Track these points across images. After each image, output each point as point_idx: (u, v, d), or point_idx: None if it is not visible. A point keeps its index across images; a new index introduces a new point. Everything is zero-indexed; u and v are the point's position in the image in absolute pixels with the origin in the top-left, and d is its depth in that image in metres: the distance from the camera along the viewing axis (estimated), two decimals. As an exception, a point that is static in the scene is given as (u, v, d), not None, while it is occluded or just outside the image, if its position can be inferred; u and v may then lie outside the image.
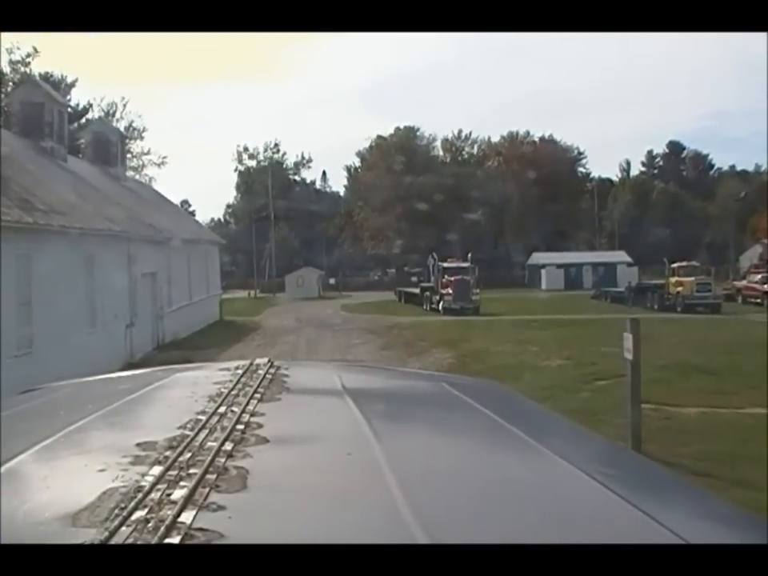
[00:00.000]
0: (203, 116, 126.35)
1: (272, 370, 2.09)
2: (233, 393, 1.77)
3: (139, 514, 1.03)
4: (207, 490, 1.12)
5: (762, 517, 1.35)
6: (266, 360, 2.24)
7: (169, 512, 1.03)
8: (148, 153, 61.66)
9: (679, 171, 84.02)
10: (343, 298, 53.10)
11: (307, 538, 1.00)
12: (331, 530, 1.06)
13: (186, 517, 1.02)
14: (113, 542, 0.95)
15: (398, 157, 71.02)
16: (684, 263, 38.20)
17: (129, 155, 61.33)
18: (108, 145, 26.71)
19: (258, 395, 1.75)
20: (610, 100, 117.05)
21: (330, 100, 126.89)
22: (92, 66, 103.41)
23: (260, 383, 1.88)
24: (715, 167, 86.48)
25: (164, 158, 61.82)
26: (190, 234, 28.69)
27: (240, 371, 2.06)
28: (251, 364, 2.18)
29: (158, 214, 25.90)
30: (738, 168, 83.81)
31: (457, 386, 2.33)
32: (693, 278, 35.86)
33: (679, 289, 36.01)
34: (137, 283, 20.10)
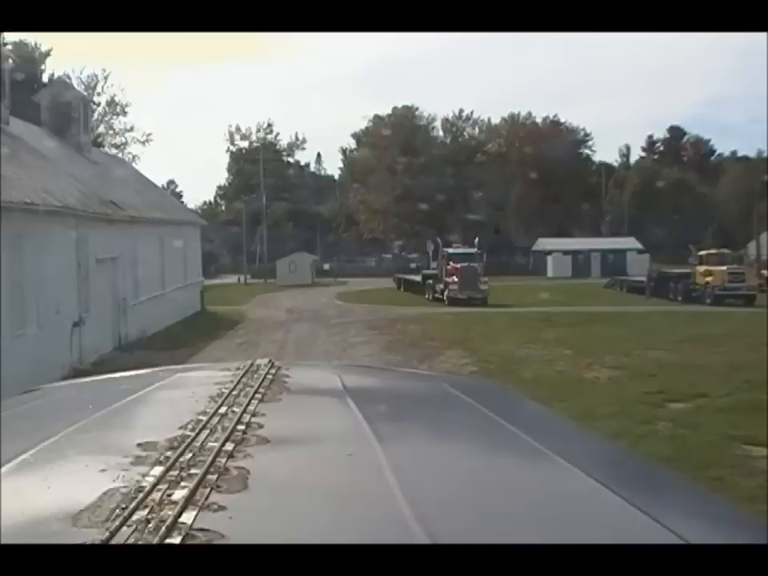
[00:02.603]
0: (198, 97, 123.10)
1: (273, 371, 2.05)
2: (234, 393, 1.74)
3: (140, 514, 1.02)
4: (208, 490, 1.11)
5: (762, 517, 1.37)
6: (266, 360, 2.18)
7: (170, 512, 1.01)
8: (131, 130, 58.02)
9: (680, 156, 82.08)
10: (338, 284, 50.65)
11: (307, 538, 0.99)
12: (331, 530, 1.06)
13: (187, 517, 1.01)
14: (114, 542, 0.94)
15: (395, 143, 67.73)
16: (713, 250, 34.93)
17: (111, 132, 58.60)
18: (68, 110, 23.05)
19: (258, 395, 1.73)
20: (606, 86, 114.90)
21: (326, 82, 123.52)
22: (83, 44, 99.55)
23: (261, 383, 1.86)
24: (716, 153, 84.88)
25: (148, 135, 58.44)
26: (163, 213, 25.02)
27: (241, 371, 2.03)
28: (252, 364, 2.12)
29: (123, 190, 22.31)
30: (739, 154, 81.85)
31: (457, 386, 2.34)
32: (724, 267, 32.53)
33: (708, 278, 32.71)
34: (89, 271, 16.60)
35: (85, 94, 41.54)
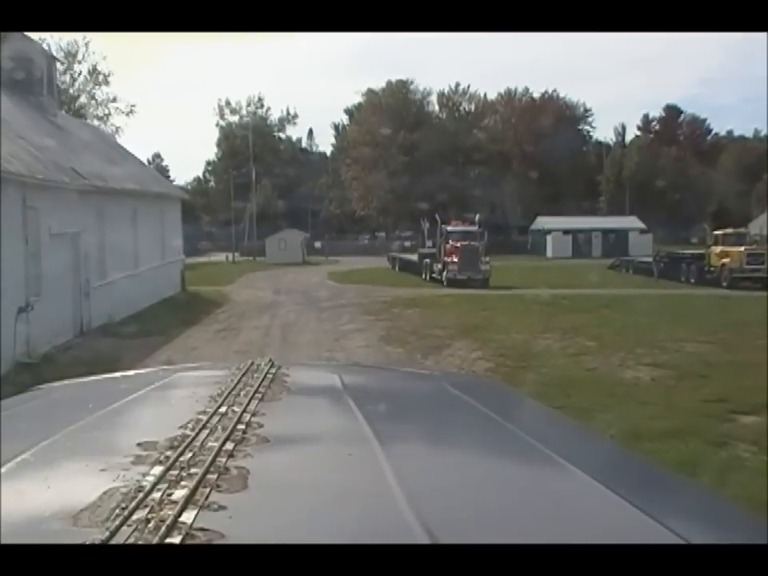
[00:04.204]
0: (189, 71, 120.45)
1: (273, 370, 2.05)
2: (234, 393, 1.74)
3: (140, 513, 1.02)
4: (208, 489, 1.10)
5: (762, 517, 1.34)
6: (266, 360, 2.18)
7: (170, 512, 1.01)
8: (114, 100, 55.17)
9: (676, 136, 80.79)
10: (330, 263, 48.84)
11: (307, 538, 0.99)
12: (331, 530, 1.05)
13: (187, 517, 1.01)
14: (114, 541, 0.94)
15: (388, 114, 65.63)
16: (730, 230, 32.79)
17: (93, 102, 55.90)
18: (30, 68, 20.59)
19: (258, 395, 1.73)
20: (599, 67, 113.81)
21: (319, 56, 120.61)
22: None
23: (261, 383, 1.85)
24: (712, 132, 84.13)
25: (132, 106, 55.44)
26: (138, 184, 22.57)
27: (241, 371, 2.03)
28: (252, 364, 2.12)
29: (91, 158, 19.91)
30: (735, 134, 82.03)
31: (457, 385, 2.35)
32: (742, 248, 30.44)
33: (725, 260, 30.62)
34: (41, 247, 14.27)
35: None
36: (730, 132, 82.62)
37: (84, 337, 16.23)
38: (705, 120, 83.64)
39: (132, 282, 20.25)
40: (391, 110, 68.02)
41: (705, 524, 1.29)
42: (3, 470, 1.23)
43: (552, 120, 68.30)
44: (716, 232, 32.52)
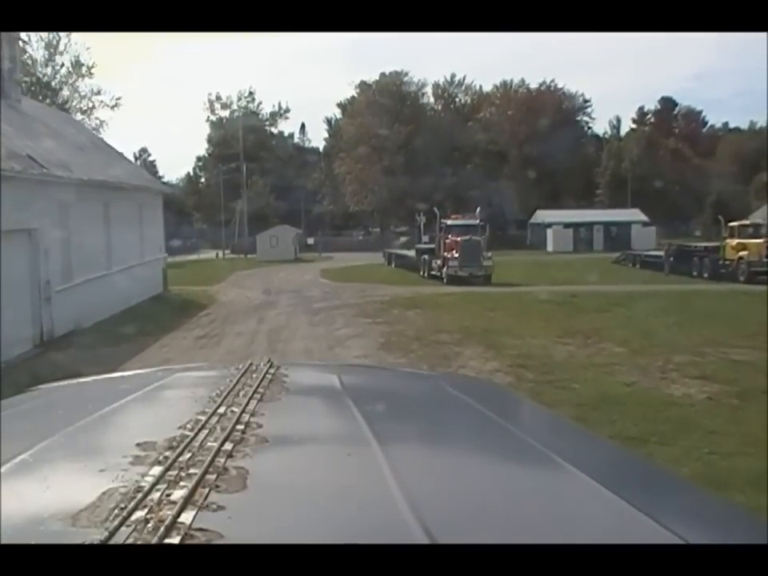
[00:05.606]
0: (180, 66, 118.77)
1: (272, 371, 2.02)
2: (232, 393, 1.71)
3: (139, 514, 1.01)
4: (207, 490, 1.09)
5: (762, 517, 1.33)
6: (265, 360, 2.15)
7: (169, 512, 1.00)
8: (99, 93, 53.18)
9: (672, 128, 79.83)
10: (323, 260, 47.38)
11: (307, 538, 0.98)
12: (331, 530, 1.05)
13: (186, 517, 1.00)
14: (113, 542, 0.93)
15: (382, 107, 64.06)
16: (747, 222, 31.09)
17: (77, 95, 53.99)
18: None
19: (257, 395, 1.70)
20: (592, 60, 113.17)
21: (310, 50, 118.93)
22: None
23: (260, 383, 1.83)
24: (708, 124, 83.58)
25: (118, 99, 53.50)
26: (108, 176, 20.47)
27: (240, 371, 2.00)
28: (251, 364, 2.10)
29: (56, 147, 17.96)
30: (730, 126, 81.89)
31: (456, 386, 2.35)
32: (761, 240, 28.71)
33: (742, 253, 28.89)
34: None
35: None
36: (725, 124, 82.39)
37: (44, 347, 14.32)
38: (700, 112, 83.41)
39: (104, 283, 18.34)
40: (385, 103, 66.27)
41: (704, 524, 1.27)
42: (3, 470, 1.22)
43: (550, 111, 66.61)
44: (731, 224, 30.75)
